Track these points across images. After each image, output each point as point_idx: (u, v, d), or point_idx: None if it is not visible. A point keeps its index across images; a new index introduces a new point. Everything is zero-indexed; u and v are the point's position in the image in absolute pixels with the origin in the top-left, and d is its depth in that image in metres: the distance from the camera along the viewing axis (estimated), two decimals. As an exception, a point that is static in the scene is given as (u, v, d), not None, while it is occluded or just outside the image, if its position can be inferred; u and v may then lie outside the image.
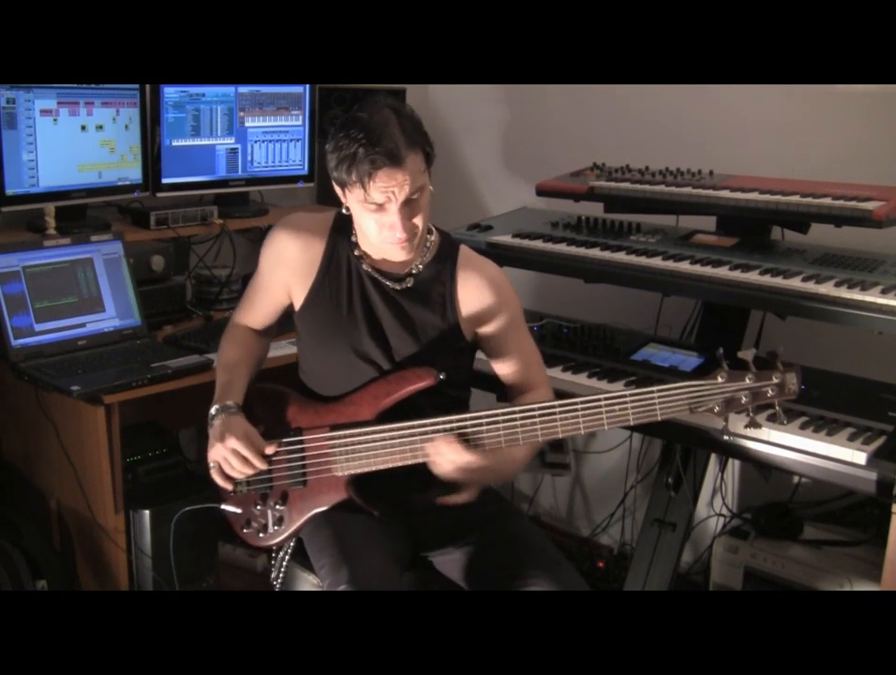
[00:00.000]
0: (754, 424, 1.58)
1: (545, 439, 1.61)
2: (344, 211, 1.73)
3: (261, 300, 1.86)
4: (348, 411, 1.73)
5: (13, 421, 2.42)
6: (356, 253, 1.76)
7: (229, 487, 1.75)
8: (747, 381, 1.55)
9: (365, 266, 1.75)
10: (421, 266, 1.76)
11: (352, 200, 1.65)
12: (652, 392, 1.56)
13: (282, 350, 2.33)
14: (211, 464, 1.72)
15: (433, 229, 1.79)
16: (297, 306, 1.80)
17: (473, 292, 1.77)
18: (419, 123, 1.65)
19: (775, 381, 1.55)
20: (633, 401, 1.56)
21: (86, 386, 2.07)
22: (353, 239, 1.77)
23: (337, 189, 1.69)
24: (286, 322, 1.91)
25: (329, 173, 1.67)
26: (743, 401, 1.55)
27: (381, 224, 1.63)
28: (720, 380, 1.55)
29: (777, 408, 1.58)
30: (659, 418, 1.56)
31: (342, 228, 1.78)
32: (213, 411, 1.75)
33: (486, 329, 1.79)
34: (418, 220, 1.65)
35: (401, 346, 1.75)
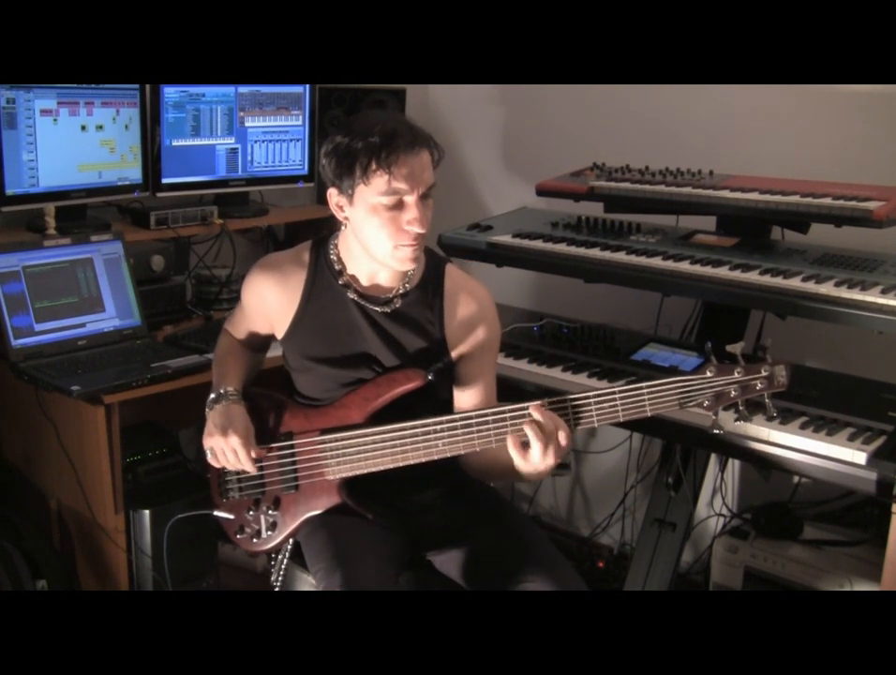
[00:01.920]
0: (744, 417, 1.58)
1: None
2: (343, 226, 1.69)
3: (246, 329, 1.87)
4: (338, 414, 1.72)
5: (13, 421, 2.42)
6: (340, 282, 1.72)
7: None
8: (736, 374, 1.54)
9: (350, 294, 1.72)
10: (407, 287, 1.73)
11: (365, 200, 1.59)
12: (641, 388, 1.55)
13: (277, 350, 2.32)
14: (207, 450, 1.73)
15: None
16: (280, 335, 1.78)
17: (461, 312, 1.75)
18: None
19: (764, 374, 1.54)
20: (622, 398, 1.55)
21: (86, 386, 2.08)
22: (337, 267, 1.73)
23: (338, 201, 1.65)
24: (270, 338, 1.90)
25: (329, 181, 1.63)
26: (732, 395, 1.55)
27: (397, 224, 1.58)
28: (709, 374, 1.55)
29: (766, 401, 1.57)
30: (649, 414, 1.56)
31: (322, 257, 1.75)
32: (213, 396, 1.75)
33: (465, 350, 1.76)
34: (429, 221, 1.62)
35: (391, 367, 1.73)
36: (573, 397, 1.58)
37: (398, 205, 1.58)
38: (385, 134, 1.55)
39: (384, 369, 1.73)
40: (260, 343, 1.91)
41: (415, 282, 1.74)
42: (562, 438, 1.53)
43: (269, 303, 1.76)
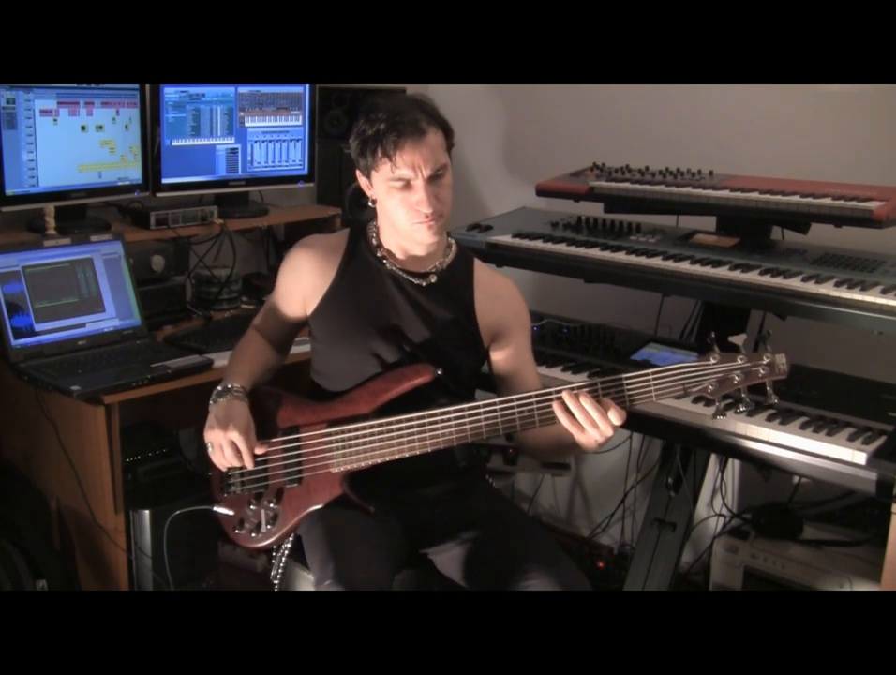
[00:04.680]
0: (745, 403, 1.61)
1: (542, 424, 1.62)
2: (370, 204, 1.77)
3: (275, 315, 1.89)
4: (346, 408, 1.74)
5: (13, 421, 2.42)
6: (378, 255, 1.79)
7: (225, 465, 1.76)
8: (739, 361, 1.59)
9: (388, 266, 1.78)
10: (443, 266, 1.80)
11: (380, 183, 1.69)
12: (647, 374, 1.59)
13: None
14: (208, 444, 1.74)
15: (450, 236, 1.85)
16: (312, 309, 1.81)
17: (491, 295, 1.82)
18: (437, 108, 1.72)
19: (765, 361, 1.59)
20: (629, 384, 1.59)
21: (86, 386, 2.07)
22: (374, 242, 1.80)
23: (364, 182, 1.74)
24: (298, 325, 1.91)
25: (355, 165, 1.73)
26: (736, 381, 1.59)
27: (409, 203, 1.66)
28: (712, 361, 1.59)
29: (768, 388, 1.61)
30: (654, 399, 1.60)
31: (360, 238, 1.82)
32: (219, 388, 1.77)
33: (497, 327, 1.82)
34: (443, 199, 1.69)
35: (419, 343, 1.77)
36: (579, 384, 1.60)
37: (408, 187, 1.66)
38: (389, 121, 1.64)
39: (399, 361, 1.75)
40: (284, 334, 1.92)
41: (448, 263, 1.81)
42: (613, 416, 1.55)
43: (305, 278, 1.81)
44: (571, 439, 1.61)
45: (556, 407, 1.58)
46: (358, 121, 1.70)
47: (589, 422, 1.56)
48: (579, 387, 1.59)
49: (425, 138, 1.64)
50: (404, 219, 1.69)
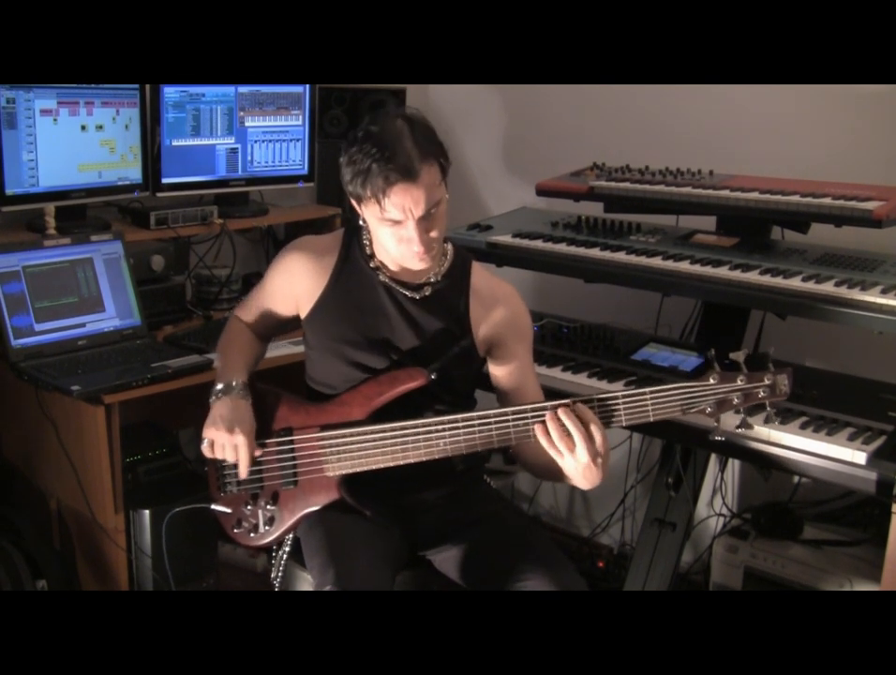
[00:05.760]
0: (745, 424, 1.57)
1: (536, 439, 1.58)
2: (361, 223, 1.72)
3: (263, 312, 1.87)
4: (339, 411, 1.73)
5: (13, 421, 2.42)
6: (371, 265, 1.75)
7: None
8: (739, 382, 1.54)
9: (381, 277, 1.75)
10: (438, 277, 1.76)
11: (369, 214, 1.65)
12: (644, 393, 1.54)
13: (281, 350, 2.33)
14: (205, 440, 1.71)
15: (448, 240, 1.81)
16: (304, 314, 1.80)
17: (488, 303, 1.77)
18: (433, 133, 1.64)
19: (766, 382, 1.54)
20: (625, 403, 1.55)
21: (86, 386, 2.08)
22: (368, 251, 1.76)
23: (353, 202, 1.69)
24: (287, 323, 1.90)
25: (344, 187, 1.66)
26: (735, 402, 1.54)
27: (399, 238, 1.62)
28: (712, 381, 1.54)
29: (769, 409, 1.58)
30: (651, 419, 1.55)
31: (354, 241, 1.78)
32: (220, 386, 1.75)
33: (493, 337, 1.78)
34: (436, 233, 1.64)
35: (412, 354, 1.74)
36: (575, 400, 1.56)
37: (399, 224, 1.61)
38: (380, 162, 1.55)
39: (392, 364, 1.73)
40: (270, 329, 1.91)
41: (444, 272, 1.77)
42: (596, 434, 1.50)
43: (298, 281, 1.78)
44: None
45: (536, 428, 1.53)
46: (349, 147, 1.62)
47: (566, 444, 1.50)
48: (573, 402, 1.54)
49: (418, 181, 1.56)
50: (395, 250, 1.64)
